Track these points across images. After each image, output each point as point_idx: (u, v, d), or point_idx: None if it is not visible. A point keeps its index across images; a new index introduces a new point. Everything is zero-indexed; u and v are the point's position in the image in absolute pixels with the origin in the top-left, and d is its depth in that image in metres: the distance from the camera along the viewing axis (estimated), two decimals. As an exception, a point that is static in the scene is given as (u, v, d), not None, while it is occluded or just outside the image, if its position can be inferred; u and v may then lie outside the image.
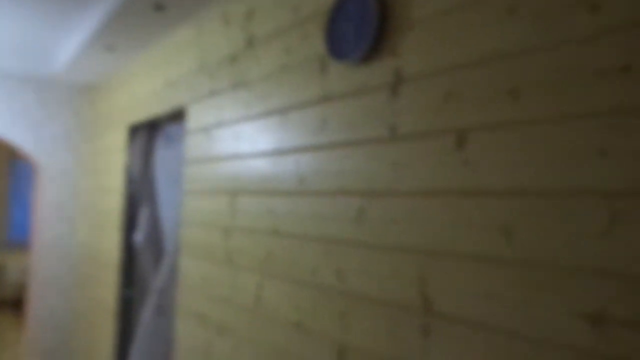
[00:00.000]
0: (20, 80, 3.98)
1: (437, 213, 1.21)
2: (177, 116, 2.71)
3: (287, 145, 1.75)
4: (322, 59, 1.62)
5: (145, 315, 2.68)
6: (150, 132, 3.16)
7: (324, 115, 1.59)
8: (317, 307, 1.55)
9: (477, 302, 1.10)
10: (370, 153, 1.41)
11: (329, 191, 1.54)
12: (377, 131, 1.39)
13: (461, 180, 1.16)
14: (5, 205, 7.54)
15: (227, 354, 2.01)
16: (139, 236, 3.22)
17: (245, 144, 1.99)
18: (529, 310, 1.00)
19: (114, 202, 3.48)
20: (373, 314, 1.36)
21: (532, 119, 1.03)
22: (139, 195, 3.28)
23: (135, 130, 3.26)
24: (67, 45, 3.26)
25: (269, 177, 1.83)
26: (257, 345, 1.83)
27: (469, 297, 1.12)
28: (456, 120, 1.18)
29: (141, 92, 3.12)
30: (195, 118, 2.41)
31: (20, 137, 3.99)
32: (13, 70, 3.85)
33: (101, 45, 3.08)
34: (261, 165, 1.88)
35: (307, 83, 1.67)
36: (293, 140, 1.72)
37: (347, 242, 1.46)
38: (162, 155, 3.14)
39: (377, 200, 1.38)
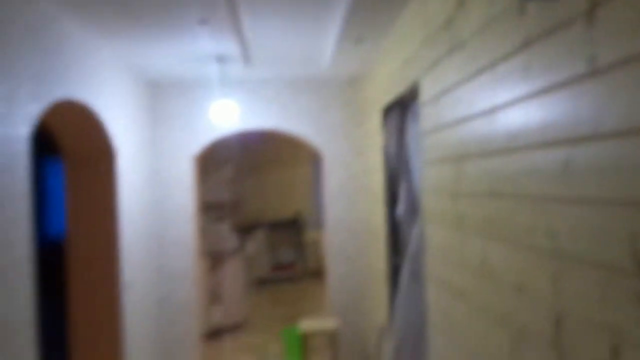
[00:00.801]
0: (301, 82, 4.74)
1: (646, 155, 1.00)
2: (414, 92, 2.81)
3: (497, 101, 1.66)
4: (520, 1, 1.48)
5: (403, 280, 2.90)
6: (398, 112, 3.35)
7: (527, 62, 1.45)
8: (533, 270, 1.45)
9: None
10: (570, 94, 1.24)
11: (536, 144, 1.41)
12: (576, 67, 1.21)
13: (671, 109, 0.93)
14: (313, 192, 9.00)
15: (462, 318, 2.03)
16: (400, 209, 3.46)
17: (464, 107, 1.96)
18: None
19: (377, 180, 3.82)
20: (585, 278, 1.20)
21: None
22: (397, 171, 3.51)
23: (387, 112, 3.50)
24: (327, 45, 3.73)
25: (484, 138, 1.77)
26: (486, 309, 1.79)
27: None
28: (660, 36, 0.95)
29: (387, 75, 3.34)
30: (426, 90, 2.47)
31: (307, 131, 4.75)
32: (295, 75, 4.61)
33: (351, 39, 3.42)
34: (478, 127, 1.83)
35: (509, 31, 1.56)
36: (501, 95, 1.62)
37: (555, 198, 1.32)
38: (412, 131, 3.29)
39: (581, 148, 1.20)
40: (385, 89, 3.44)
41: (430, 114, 2.41)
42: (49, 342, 4.48)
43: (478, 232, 1.85)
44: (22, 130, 2.28)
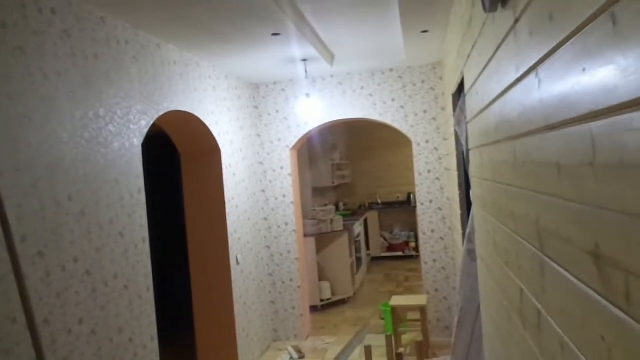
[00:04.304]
0: (385, 72, 4.99)
1: None
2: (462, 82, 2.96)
3: (491, 95, 1.84)
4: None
5: (463, 258, 3.09)
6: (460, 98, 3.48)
7: (501, 62, 1.64)
8: (512, 248, 1.65)
9: None
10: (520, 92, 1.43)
11: (509, 136, 1.60)
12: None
13: None
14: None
15: (491, 290, 2.23)
16: (472, 192, 3.61)
17: (479, 99, 2.14)
18: None
19: (453, 163, 3.97)
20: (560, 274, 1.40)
21: None
22: (466, 155, 3.65)
23: (455, 97, 3.65)
24: (397, 36, 3.96)
25: (485, 128, 1.96)
26: (498, 282, 2.00)
27: None
28: None
29: (451, 63, 3.49)
30: (466, 81, 2.64)
31: (394, 118, 5.01)
32: (378, 66, 4.88)
33: (415, 30, 3.62)
34: (483, 118, 2.01)
35: (493, 30, 1.73)
36: (493, 88, 1.80)
37: (519, 186, 1.52)
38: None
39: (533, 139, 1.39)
40: (451, 76, 3.59)
41: (468, 104, 2.59)
42: (180, 305, 5.38)
43: (490, 213, 2.05)
44: (135, 140, 2.93)
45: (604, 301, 0.79)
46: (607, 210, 0.76)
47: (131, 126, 2.90)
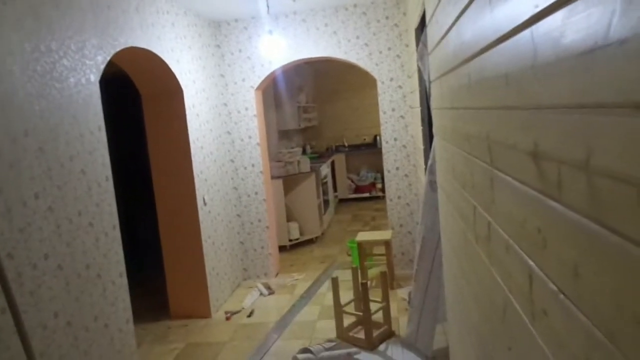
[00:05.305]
0: (349, 8, 4.90)
1: None
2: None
3: (448, 21, 1.85)
4: None
5: (425, 190, 3.19)
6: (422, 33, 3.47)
7: None
8: (472, 170, 1.71)
9: None
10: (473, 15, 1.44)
11: (465, 60, 1.63)
12: (470, -6, 1.41)
13: None
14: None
15: (449, 214, 2.32)
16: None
17: (439, 28, 2.14)
18: None
19: (416, 100, 4.01)
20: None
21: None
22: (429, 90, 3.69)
23: (419, 31, 3.63)
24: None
25: (445, 56, 1.98)
26: (456, 204, 2.09)
27: None
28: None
29: (415, -4, 3.46)
30: (428, 10, 2.63)
31: (358, 56, 4.97)
32: (342, 2, 4.77)
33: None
34: (444, 47, 2.03)
35: (451, -42, 1.72)
36: (451, 14, 1.81)
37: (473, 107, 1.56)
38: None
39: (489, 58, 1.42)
40: (414, 10, 3.56)
41: (429, 35, 2.59)
42: (149, 247, 5.41)
43: (450, 141, 2.11)
44: (92, 77, 2.84)
45: (540, 196, 0.85)
46: (545, 108, 0.80)
47: (87, 62, 2.81)
